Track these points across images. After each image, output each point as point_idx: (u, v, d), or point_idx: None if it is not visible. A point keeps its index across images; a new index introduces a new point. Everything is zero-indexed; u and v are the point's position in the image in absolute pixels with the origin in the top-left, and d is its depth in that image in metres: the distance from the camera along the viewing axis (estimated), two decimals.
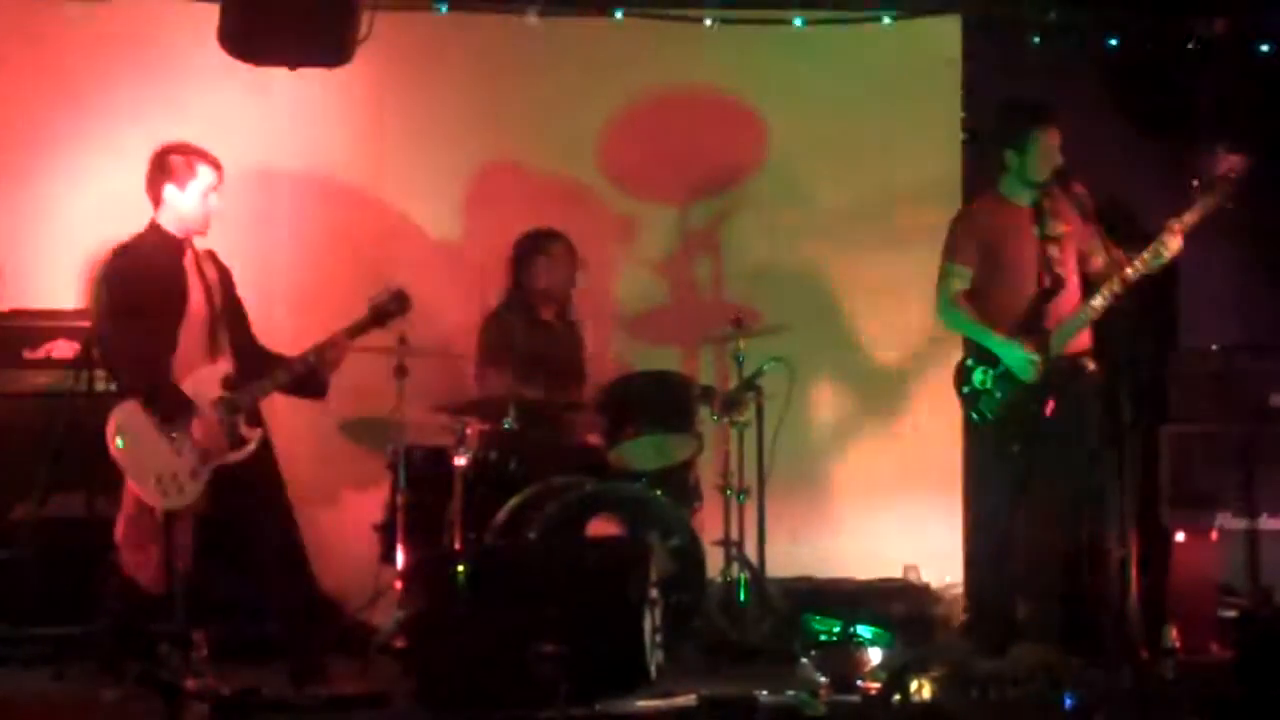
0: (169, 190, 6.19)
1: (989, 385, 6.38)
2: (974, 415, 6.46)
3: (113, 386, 6.23)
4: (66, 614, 6.31)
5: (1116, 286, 6.21)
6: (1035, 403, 6.30)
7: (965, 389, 6.44)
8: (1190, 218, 6.20)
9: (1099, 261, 6.36)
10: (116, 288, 6.10)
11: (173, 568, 6.04)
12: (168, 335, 6.08)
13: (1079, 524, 6.34)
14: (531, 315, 7.22)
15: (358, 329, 6.33)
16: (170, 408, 6.01)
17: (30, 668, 6.17)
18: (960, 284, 6.50)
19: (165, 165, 6.22)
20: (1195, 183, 6.23)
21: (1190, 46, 7.79)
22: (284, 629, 6.22)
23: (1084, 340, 6.43)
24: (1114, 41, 7.88)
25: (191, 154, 6.25)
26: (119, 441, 5.97)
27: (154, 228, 6.21)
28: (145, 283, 6.09)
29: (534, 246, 7.21)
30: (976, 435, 6.59)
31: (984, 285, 6.47)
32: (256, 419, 6.20)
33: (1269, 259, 7.81)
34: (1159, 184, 7.73)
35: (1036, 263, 6.40)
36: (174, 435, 6.01)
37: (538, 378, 7.01)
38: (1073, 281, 6.44)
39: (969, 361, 6.45)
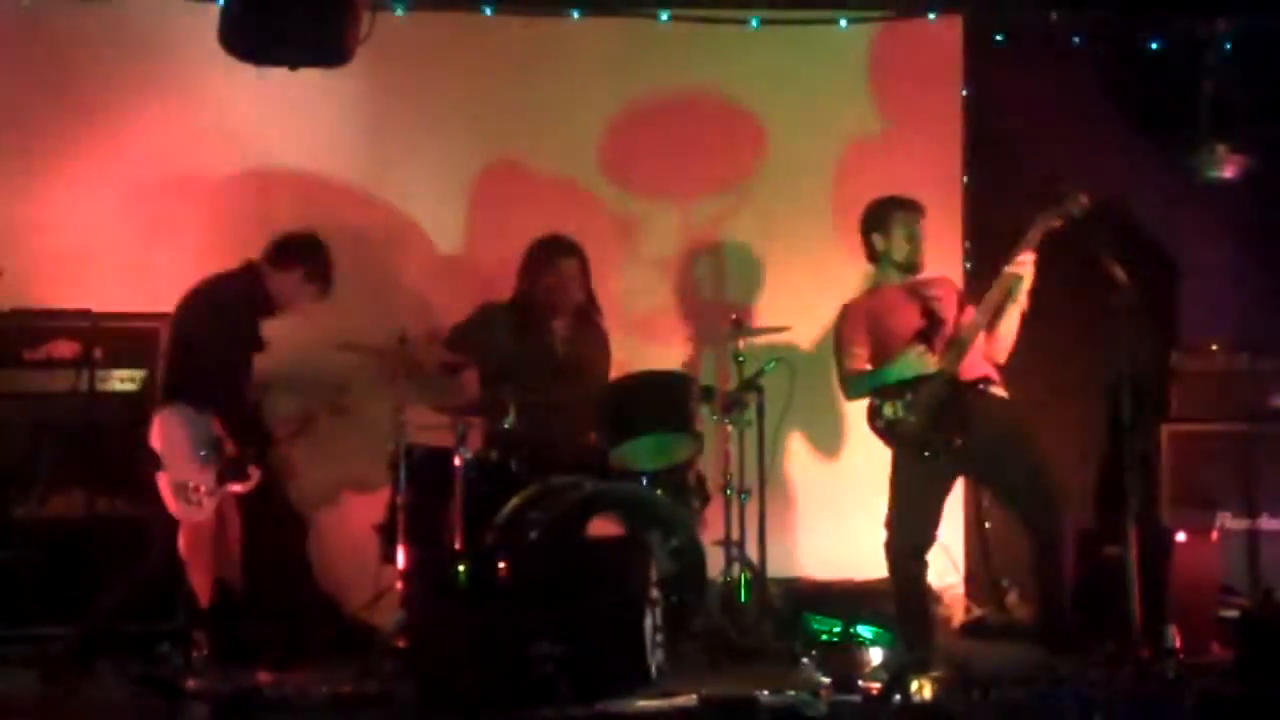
0: (298, 274, 6.48)
1: (900, 414, 6.43)
2: (895, 442, 6.48)
3: (118, 385, 6.31)
4: (66, 614, 6.30)
5: (991, 309, 6.39)
6: (947, 427, 6.35)
7: (879, 423, 6.48)
8: (1033, 236, 6.29)
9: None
10: (231, 312, 6.35)
11: (225, 581, 6.26)
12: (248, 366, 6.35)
13: (1054, 527, 6.34)
14: (525, 320, 7.19)
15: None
16: (238, 428, 6.24)
17: (30, 668, 6.16)
18: (852, 363, 6.58)
19: (323, 267, 6.57)
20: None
21: (1190, 46, 7.79)
22: (276, 625, 6.27)
23: (984, 369, 6.47)
24: (1113, 42, 7.88)
25: (331, 275, 6.58)
26: (160, 437, 6.13)
27: (257, 282, 6.44)
28: (252, 318, 6.39)
29: (542, 256, 7.18)
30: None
31: (878, 361, 6.53)
32: (262, 458, 6.38)
33: (1269, 259, 7.81)
34: (1159, 184, 7.75)
35: (917, 320, 6.48)
36: (204, 453, 6.17)
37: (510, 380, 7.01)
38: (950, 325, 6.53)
39: (876, 401, 6.49)
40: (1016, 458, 6.37)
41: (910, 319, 6.50)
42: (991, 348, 6.49)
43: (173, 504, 6.15)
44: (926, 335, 6.43)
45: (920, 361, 6.38)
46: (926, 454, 6.38)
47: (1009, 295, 6.38)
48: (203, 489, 6.16)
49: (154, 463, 6.16)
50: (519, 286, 7.22)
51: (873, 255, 6.69)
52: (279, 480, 6.58)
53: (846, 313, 6.71)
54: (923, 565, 6.54)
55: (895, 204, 6.65)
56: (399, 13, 7.46)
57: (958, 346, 6.39)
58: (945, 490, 6.55)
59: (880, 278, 6.69)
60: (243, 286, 6.42)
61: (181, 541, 6.10)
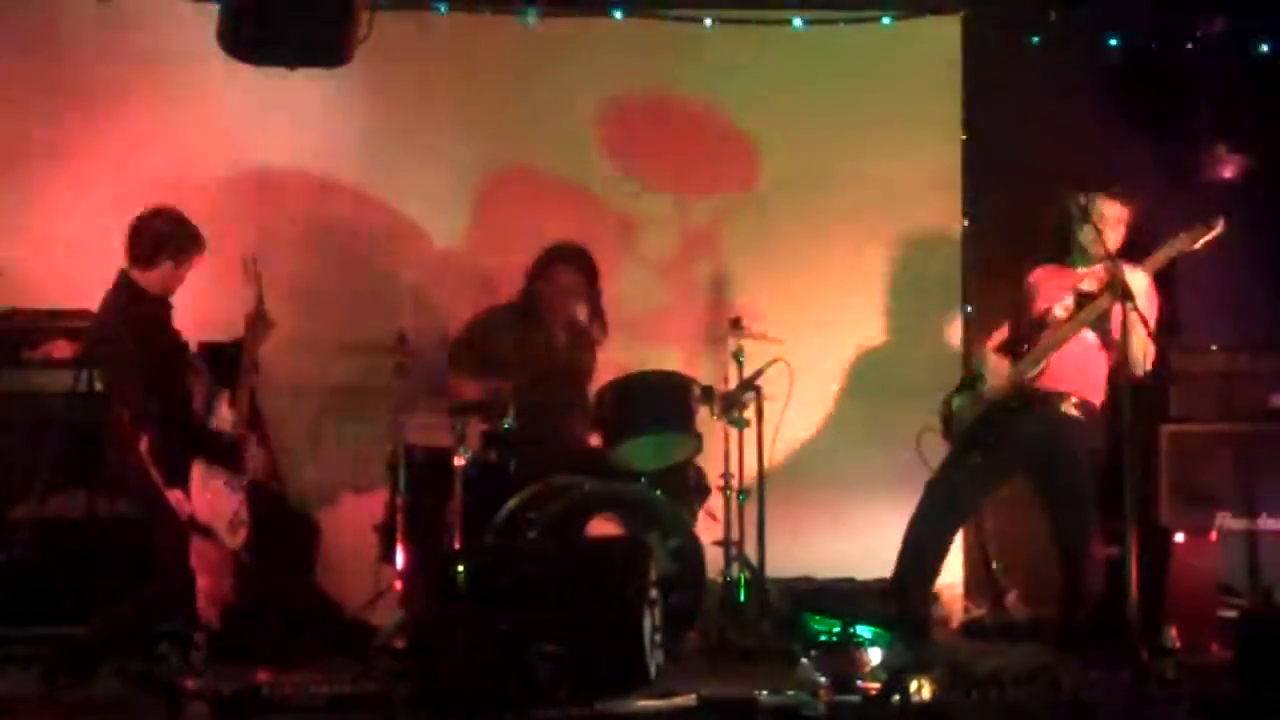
0: (168, 264, 6.19)
1: (963, 409, 6.53)
2: (947, 435, 6.60)
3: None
4: (66, 614, 6.29)
5: (1072, 330, 6.33)
6: (981, 436, 6.45)
7: (944, 409, 6.61)
8: (1157, 264, 6.21)
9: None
10: (132, 359, 6.09)
11: (222, 600, 6.20)
12: (185, 390, 6.19)
13: (1066, 532, 6.37)
14: (524, 322, 7.20)
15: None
16: (232, 457, 6.17)
17: (29, 668, 6.16)
18: (994, 339, 6.63)
19: (186, 241, 6.22)
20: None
21: (1190, 46, 7.79)
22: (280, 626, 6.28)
23: (1071, 383, 6.41)
24: (1114, 41, 7.88)
25: (198, 235, 6.26)
26: (202, 507, 6.06)
27: (136, 290, 6.18)
28: (159, 347, 6.18)
29: (543, 263, 7.17)
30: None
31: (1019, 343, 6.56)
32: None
33: (1268, 259, 7.81)
34: (1159, 184, 7.74)
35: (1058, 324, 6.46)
36: (233, 479, 6.15)
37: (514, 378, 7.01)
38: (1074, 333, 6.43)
39: (954, 389, 6.61)
40: (1062, 477, 6.37)
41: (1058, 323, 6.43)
42: (1120, 365, 6.21)
43: (231, 540, 6.14)
44: (1030, 330, 6.41)
45: (994, 371, 6.43)
46: (961, 451, 6.48)
47: (1110, 308, 6.19)
48: (243, 510, 6.17)
49: (206, 533, 6.07)
50: (524, 288, 7.24)
51: (1071, 240, 6.46)
52: (281, 484, 6.59)
53: (1030, 281, 6.60)
54: (936, 557, 6.59)
55: (1100, 184, 6.42)
56: (398, 13, 7.45)
57: (1032, 359, 6.37)
58: (983, 496, 6.64)
59: (1075, 261, 6.50)
60: (132, 302, 6.18)
61: (194, 555, 6.07)
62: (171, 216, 6.23)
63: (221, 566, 6.15)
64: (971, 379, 6.58)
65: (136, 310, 6.15)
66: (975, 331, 7.53)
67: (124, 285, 6.19)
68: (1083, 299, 6.34)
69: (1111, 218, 6.37)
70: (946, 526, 6.60)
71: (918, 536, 6.53)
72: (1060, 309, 6.39)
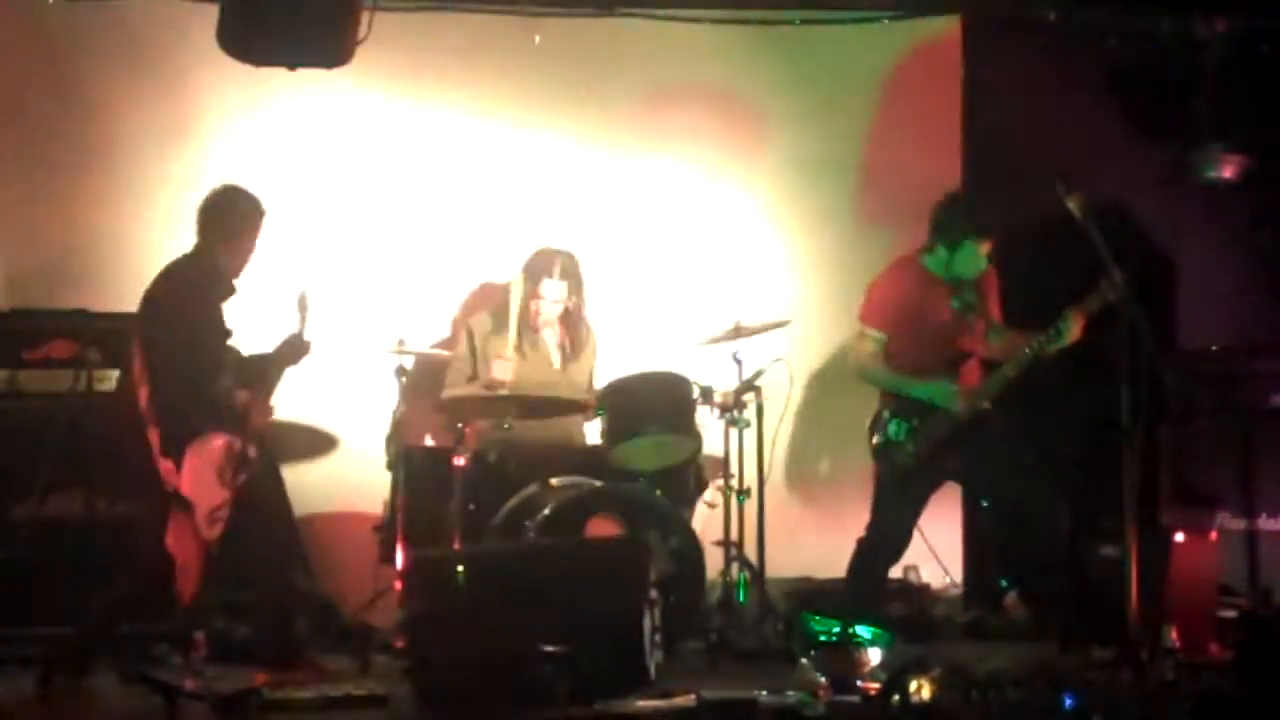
0: (249, 231, 6.25)
1: (901, 438, 6.55)
2: (884, 465, 6.64)
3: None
4: (66, 614, 6.29)
5: (1023, 362, 6.43)
6: (937, 460, 6.52)
7: (878, 439, 6.61)
8: (1092, 304, 6.26)
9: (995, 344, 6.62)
10: (184, 346, 6.08)
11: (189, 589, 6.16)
12: (214, 375, 6.15)
13: (1049, 531, 6.46)
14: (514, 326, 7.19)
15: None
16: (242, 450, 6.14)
17: (29, 668, 6.17)
18: (875, 346, 6.64)
19: (258, 208, 6.28)
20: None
21: (1190, 46, 7.79)
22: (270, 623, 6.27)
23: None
24: (1114, 41, 7.88)
25: (259, 200, 6.31)
26: (190, 481, 6.03)
27: (218, 270, 6.21)
28: (212, 323, 6.16)
29: (528, 274, 7.13)
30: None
31: (897, 349, 6.60)
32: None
33: (1269, 259, 7.81)
34: (1159, 184, 7.75)
35: (948, 330, 6.55)
36: (231, 473, 6.09)
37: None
38: (980, 350, 6.62)
39: (885, 414, 6.60)
40: (1005, 470, 6.48)
41: (944, 322, 6.52)
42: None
43: (206, 531, 6.08)
44: (952, 367, 6.50)
45: (951, 399, 6.46)
46: (906, 480, 6.55)
47: (1042, 349, 6.41)
48: (225, 508, 6.12)
49: (182, 506, 6.04)
50: (509, 294, 7.20)
51: (931, 248, 6.62)
52: (276, 479, 6.58)
53: (879, 289, 6.68)
54: (888, 570, 6.80)
55: (974, 229, 6.54)
56: (398, 13, 7.45)
57: (980, 396, 6.48)
58: (925, 502, 6.69)
59: (932, 265, 6.63)
60: (206, 272, 6.20)
61: (171, 539, 6.06)
62: (237, 189, 6.31)
63: (194, 554, 6.10)
64: (908, 407, 6.55)
65: (210, 292, 6.17)
66: None
67: (208, 264, 6.21)
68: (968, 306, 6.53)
69: (981, 254, 6.55)
70: (899, 549, 6.74)
71: (871, 559, 6.68)
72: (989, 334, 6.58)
